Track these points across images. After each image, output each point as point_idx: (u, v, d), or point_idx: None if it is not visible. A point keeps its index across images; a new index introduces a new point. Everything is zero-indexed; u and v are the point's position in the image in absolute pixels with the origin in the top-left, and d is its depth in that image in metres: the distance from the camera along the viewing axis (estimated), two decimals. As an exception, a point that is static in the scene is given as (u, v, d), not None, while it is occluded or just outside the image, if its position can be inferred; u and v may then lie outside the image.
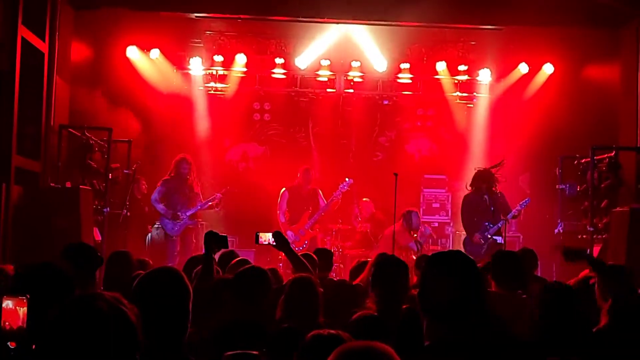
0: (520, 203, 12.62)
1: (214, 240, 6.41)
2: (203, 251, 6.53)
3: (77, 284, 4.21)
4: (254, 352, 4.28)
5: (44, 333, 2.55)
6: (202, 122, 15.84)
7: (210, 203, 13.50)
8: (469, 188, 12.94)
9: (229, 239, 6.96)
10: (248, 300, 5.61)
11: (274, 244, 7.34)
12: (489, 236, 12.52)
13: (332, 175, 14.92)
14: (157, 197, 13.43)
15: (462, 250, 12.62)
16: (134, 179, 14.27)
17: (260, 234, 7.43)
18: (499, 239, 12.43)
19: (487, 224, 12.52)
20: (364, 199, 15.08)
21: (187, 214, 13.40)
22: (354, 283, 7.21)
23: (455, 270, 3.56)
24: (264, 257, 13.71)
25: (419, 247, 13.50)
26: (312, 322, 5.58)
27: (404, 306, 5.34)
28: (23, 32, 11.41)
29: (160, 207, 13.38)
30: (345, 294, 6.59)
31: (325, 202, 13.93)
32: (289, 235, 13.43)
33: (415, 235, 13.65)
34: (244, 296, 5.63)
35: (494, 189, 12.65)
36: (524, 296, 6.45)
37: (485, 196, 12.63)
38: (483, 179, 12.73)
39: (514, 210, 12.53)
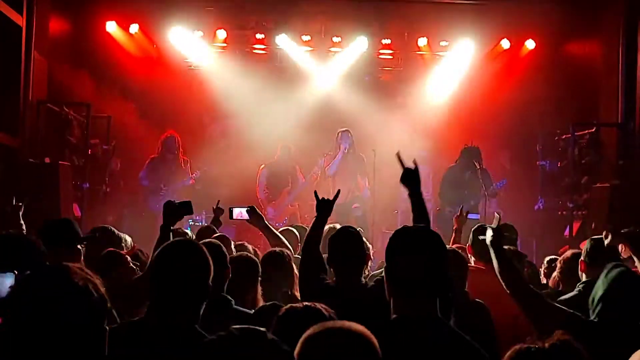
0: (496, 183, 12.58)
1: (174, 210, 5.58)
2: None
3: (60, 260, 4.15)
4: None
5: (9, 303, 2.51)
6: (182, 98, 15.70)
7: (190, 181, 13.43)
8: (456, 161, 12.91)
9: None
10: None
11: (248, 218, 7.26)
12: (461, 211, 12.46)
13: (311, 151, 14.82)
14: (143, 175, 13.38)
15: (433, 224, 12.62)
16: (113, 155, 14.21)
17: (234, 209, 7.37)
18: (474, 216, 12.31)
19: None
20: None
21: (169, 189, 13.23)
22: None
23: (420, 246, 3.56)
24: (244, 233, 13.61)
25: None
26: (287, 296, 5.59)
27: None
28: (0, 5, 11.26)
29: (144, 183, 13.35)
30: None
31: (304, 179, 13.90)
32: (269, 211, 13.41)
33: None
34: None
35: (478, 166, 12.58)
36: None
37: (468, 172, 12.60)
38: (471, 154, 12.68)
39: (489, 189, 12.47)
